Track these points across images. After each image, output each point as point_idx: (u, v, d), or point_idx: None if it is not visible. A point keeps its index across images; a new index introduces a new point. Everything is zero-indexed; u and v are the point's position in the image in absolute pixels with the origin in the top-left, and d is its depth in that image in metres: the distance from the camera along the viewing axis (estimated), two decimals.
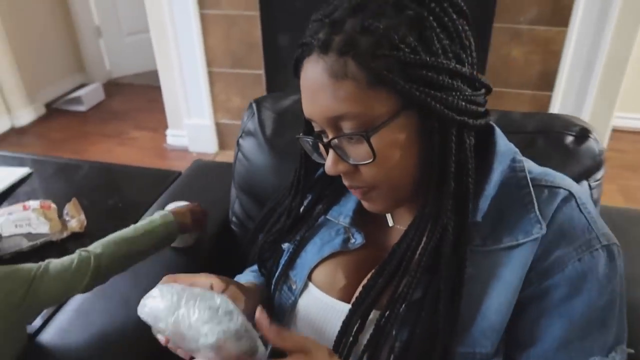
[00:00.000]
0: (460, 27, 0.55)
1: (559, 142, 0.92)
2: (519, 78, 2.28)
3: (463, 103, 0.56)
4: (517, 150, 0.66)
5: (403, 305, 0.61)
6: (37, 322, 0.94)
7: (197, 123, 2.76)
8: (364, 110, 0.54)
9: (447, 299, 0.58)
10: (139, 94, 3.64)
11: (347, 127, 0.55)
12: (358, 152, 0.57)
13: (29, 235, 1.08)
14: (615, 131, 2.65)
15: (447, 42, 0.54)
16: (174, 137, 2.90)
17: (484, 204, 0.61)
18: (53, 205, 1.16)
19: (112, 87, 3.76)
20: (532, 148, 0.92)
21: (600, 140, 0.93)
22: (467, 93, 0.56)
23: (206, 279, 0.68)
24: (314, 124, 0.60)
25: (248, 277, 0.83)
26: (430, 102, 0.53)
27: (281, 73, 2.54)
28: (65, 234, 1.12)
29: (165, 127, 2.92)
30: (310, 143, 0.65)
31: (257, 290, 0.78)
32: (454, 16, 0.55)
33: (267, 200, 0.84)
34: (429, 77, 0.53)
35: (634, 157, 2.69)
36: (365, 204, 0.64)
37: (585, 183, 0.92)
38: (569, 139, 0.92)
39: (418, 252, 0.60)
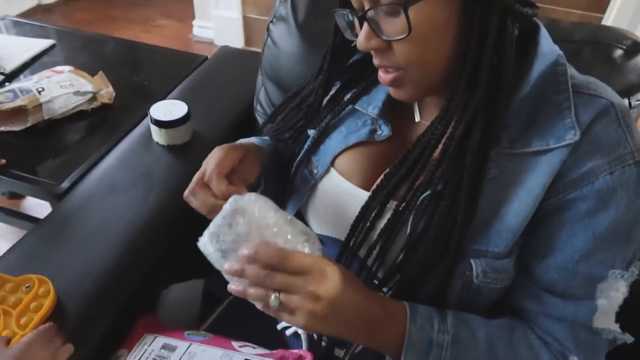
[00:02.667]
0: None
1: (607, 54, 0.87)
2: None
3: None
4: (561, 53, 0.62)
5: (422, 197, 0.61)
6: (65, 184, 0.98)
7: (224, 15, 2.67)
8: None
9: (468, 192, 0.58)
10: None
11: None
12: (393, 26, 0.54)
13: (77, 93, 1.09)
14: None
15: None
16: (201, 28, 2.83)
17: (517, 103, 0.59)
18: (84, 73, 1.16)
19: None
20: (577, 58, 0.87)
21: None
22: None
23: (232, 151, 0.71)
24: None
25: (252, 139, 0.83)
26: None
27: None
28: (95, 105, 1.12)
29: (192, 17, 2.84)
30: (348, 17, 0.61)
31: (259, 150, 0.78)
32: None
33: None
34: None
35: None
36: (392, 91, 0.62)
37: (626, 100, 0.88)
38: (618, 52, 0.87)
39: (442, 143, 0.59)
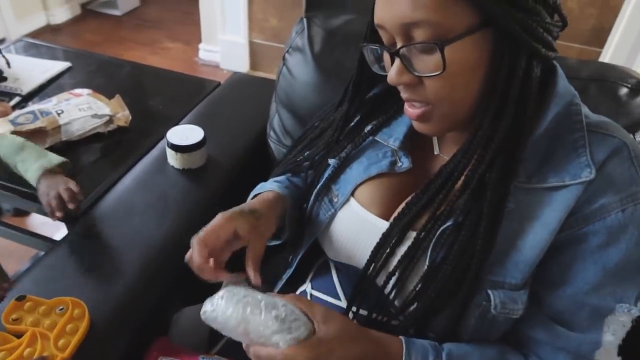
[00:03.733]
0: None
1: (613, 91, 0.90)
2: (570, 30, 2.13)
3: (540, 29, 0.55)
4: (576, 94, 0.65)
5: (442, 227, 0.62)
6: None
7: (231, 40, 2.72)
8: (441, 20, 0.53)
9: (488, 225, 0.59)
10: (175, 3, 3.57)
11: (419, 36, 0.54)
12: (426, 63, 0.56)
13: (95, 116, 1.12)
14: None
15: None
16: (207, 52, 2.88)
17: (534, 140, 0.61)
18: (102, 96, 1.19)
19: None
20: (584, 95, 0.90)
21: None
22: (546, 20, 0.55)
23: (227, 223, 0.67)
24: (382, 33, 0.59)
25: (272, 185, 0.81)
26: (511, 20, 0.52)
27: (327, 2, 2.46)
28: (111, 127, 1.15)
29: (199, 40, 2.88)
30: (377, 52, 0.64)
31: (280, 199, 0.78)
32: None
33: (308, 118, 0.85)
34: None
35: None
36: (417, 125, 0.64)
37: (631, 137, 0.91)
38: (624, 90, 0.90)
39: (464, 175, 0.61)
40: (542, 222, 0.61)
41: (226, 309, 0.59)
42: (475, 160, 0.60)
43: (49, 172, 0.94)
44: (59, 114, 1.09)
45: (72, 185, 0.91)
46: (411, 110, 0.62)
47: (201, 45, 2.89)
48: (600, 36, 2.17)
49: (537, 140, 0.61)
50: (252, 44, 2.72)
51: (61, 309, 0.72)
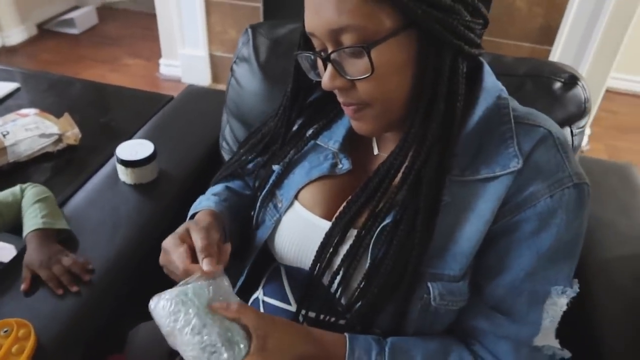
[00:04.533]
0: None
1: (547, 86, 0.93)
2: (520, 30, 2.25)
3: (461, 27, 0.57)
4: (503, 88, 0.68)
5: (382, 224, 0.64)
6: None
7: (191, 53, 2.72)
8: (366, 24, 0.54)
9: (425, 219, 0.61)
10: (134, 20, 3.55)
11: (347, 40, 0.56)
12: (356, 67, 0.58)
13: (43, 135, 1.10)
14: (609, 92, 2.66)
15: None
16: (168, 66, 2.87)
17: (465, 135, 0.63)
18: (50, 115, 1.18)
19: (106, 11, 3.66)
20: (521, 91, 0.93)
21: (589, 95, 0.94)
22: (466, 18, 0.57)
23: (176, 249, 0.66)
24: (314, 40, 0.61)
25: (209, 202, 0.81)
26: (431, 21, 0.54)
27: (279, 7, 2.48)
28: (60, 146, 1.13)
29: (159, 56, 2.87)
30: (311, 60, 0.66)
31: (217, 217, 0.77)
32: None
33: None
34: None
35: (624, 119, 2.72)
36: (355, 125, 0.66)
37: (567, 129, 0.95)
38: (557, 84, 0.93)
39: (400, 172, 0.63)
40: (476, 213, 0.63)
41: (162, 313, 0.59)
42: (411, 157, 0.62)
43: (44, 231, 0.87)
44: (4, 136, 1.07)
45: (69, 260, 0.83)
46: (348, 110, 0.64)
47: (162, 61, 2.88)
48: (549, 34, 2.24)
49: (468, 134, 0.63)
50: (212, 57, 2.72)
51: (5, 331, 0.71)
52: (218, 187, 0.86)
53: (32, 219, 0.86)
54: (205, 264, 0.62)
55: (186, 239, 0.67)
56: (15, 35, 3.15)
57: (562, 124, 0.93)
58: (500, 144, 0.64)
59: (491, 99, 0.65)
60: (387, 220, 0.64)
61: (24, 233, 0.86)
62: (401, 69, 0.58)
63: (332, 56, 0.58)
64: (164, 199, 0.99)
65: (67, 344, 0.76)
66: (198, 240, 0.65)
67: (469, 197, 0.63)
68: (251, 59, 1.05)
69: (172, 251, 0.66)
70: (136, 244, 0.92)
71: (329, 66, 0.59)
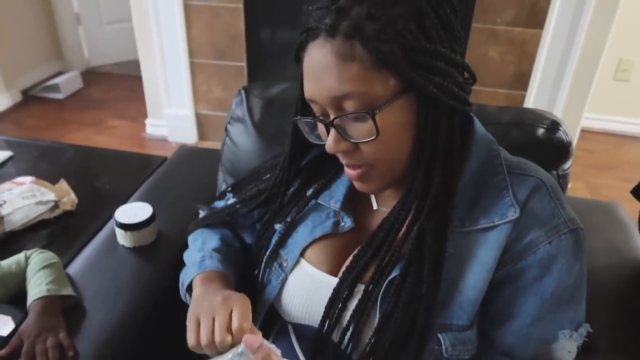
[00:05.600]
0: (452, 20, 0.60)
1: (531, 133, 0.98)
2: (495, 77, 2.35)
3: (455, 89, 0.61)
4: (494, 140, 0.72)
5: (389, 278, 0.65)
6: None
7: (177, 113, 2.76)
8: (367, 90, 0.58)
9: (431, 270, 0.63)
10: (118, 83, 3.61)
11: (349, 106, 0.59)
12: (360, 130, 0.61)
13: (39, 203, 1.11)
14: (584, 131, 2.76)
15: (442, 32, 0.59)
16: (154, 126, 2.90)
17: (462, 187, 0.66)
18: (46, 182, 1.18)
19: (91, 75, 3.72)
20: (506, 139, 0.98)
21: (571, 138, 0.99)
22: (459, 80, 0.62)
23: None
24: (313, 106, 0.64)
25: (213, 262, 0.80)
26: (428, 85, 0.58)
27: (263, 65, 2.56)
28: (57, 213, 1.13)
29: (145, 116, 2.91)
30: (310, 124, 0.68)
31: (225, 278, 0.78)
32: (448, 10, 0.60)
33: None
34: (428, 62, 0.58)
35: (601, 157, 2.81)
36: (358, 185, 0.68)
37: (554, 172, 0.99)
38: (540, 130, 0.98)
39: (404, 227, 0.65)
40: (479, 262, 0.65)
41: None
42: (414, 211, 0.64)
43: (49, 299, 0.85)
44: (1, 205, 1.07)
45: (63, 337, 0.81)
46: (352, 172, 0.66)
47: (147, 121, 2.92)
48: (522, 80, 2.35)
49: (465, 186, 0.66)
50: (198, 115, 2.77)
51: None
52: (214, 241, 0.85)
53: (37, 287, 0.85)
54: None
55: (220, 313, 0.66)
56: (1, 102, 3.17)
57: (548, 168, 0.97)
58: (496, 193, 0.66)
59: (483, 150, 0.68)
60: (394, 274, 0.65)
61: (28, 302, 0.84)
62: (403, 130, 0.61)
63: (336, 122, 0.61)
64: (163, 260, 0.99)
65: None
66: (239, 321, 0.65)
67: (470, 247, 0.65)
68: (245, 118, 1.09)
69: (211, 317, 0.65)
70: (138, 308, 0.91)
71: (332, 131, 0.62)
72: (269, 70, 2.59)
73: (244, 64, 2.56)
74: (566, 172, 1.01)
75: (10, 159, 1.40)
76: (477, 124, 0.71)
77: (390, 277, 0.65)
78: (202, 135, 2.83)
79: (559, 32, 2.20)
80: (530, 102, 2.36)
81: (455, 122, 0.63)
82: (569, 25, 2.18)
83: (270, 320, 0.83)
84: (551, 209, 0.66)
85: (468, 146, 0.68)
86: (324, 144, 0.64)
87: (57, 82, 3.35)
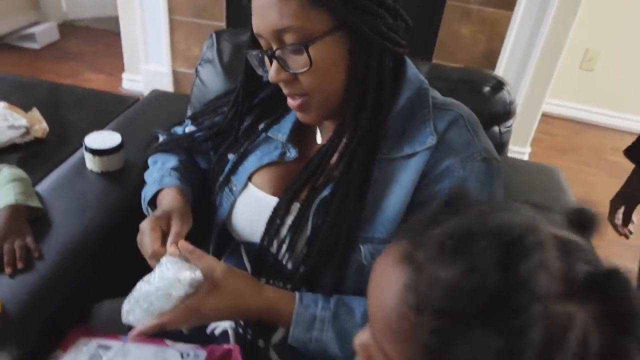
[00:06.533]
0: None
1: (477, 90, 1.07)
2: (465, 55, 2.44)
3: (385, 29, 0.68)
4: (425, 81, 0.79)
5: (320, 197, 0.74)
6: None
7: (154, 69, 2.78)
8: (304, 25, 0.65)
9: (356, 192, 0.72)
10: (96, 37, 3.58)
11: (289, 39, 0.67)
12: (297, 62, 0.68)
13: (11, 127, 1.14)
14: (548, 116, 2.89)
15: None
16: (130, 81, 2.91)
17: (392, 120, 0.74)
18: (18, 108, 1.22)
19: (68, 28, 3.68)
20: (454, 94, 1.04)
21: (513, 98, 1.08)
22: (389, 21, 0.69)
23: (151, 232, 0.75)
24: (260, 41, 0.71)
25: (172, 179, 0.89)
26: (360, 23, 0.66)
27: (242, 26, 2.59)
28: (28, 139, 1.18)
29: (122, 71, 2.92)
30: (259, 57, 0.76)
31: (184, 193, 0.87)
32: None
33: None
34: (361, 2, 0.65)
35: (562, 141, 2.95)
36: (300, 116, 0.76)
37: (496, 127, 1.08)
38: (486, 88, 1.07)
39: (337, 153, 0.74)
40: (400, 185, 0.73)
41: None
42: (347, 139, 0.72)
43: (15, 207, 0.90)
44: None
45: (30, 241, 0.87)
46: (293, 102, 0.74)
47: (124, 75, 2.92)
48: (491, 59, 2.44)
49: (394, 119, 0.74)
50: (175, 73, 2.79)
51: None
52: (172, 161, 0.93)
53: (5, 196, 0.91)
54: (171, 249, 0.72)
55: (162, 223, 0.76)
56: None
57: (490, 123, 1.06)
58: (420, 125, 0.75)
59: (413, 89, 0.76)
60: (325, 193, 0.74)
61: None
62: (335, 64, 0.69)
63: (277, 53, 0.68)
64: (130, 185, 1.05)
65: (32, 313, 0.81)
66: (177, 228, 0.75)
67: (394, 172, 0.74)
68: (215, 61, 1.15)
69: (146, 233, 0.75)
70: (102, 226, 0.98)
71: (274, 62, 0.69)
72: (248, 31, 2.62)
73: (223, 23, 2.58)
74: (508, 128, 1.10)
75: None
76: (410, 65, 0.78)
77: (322, 195, 0.74)
78: (178, 93, 2.85)
79: (527, 16, 2.29)
80: None
81: (386, 61, 0.70)
82: (537, 10, 2.27)
83: (224, 241, 0.92)
84: (467, 140, 0.74)
85: (399, 84, 0.75)
86: None
87: (33, 32, 3.31)
